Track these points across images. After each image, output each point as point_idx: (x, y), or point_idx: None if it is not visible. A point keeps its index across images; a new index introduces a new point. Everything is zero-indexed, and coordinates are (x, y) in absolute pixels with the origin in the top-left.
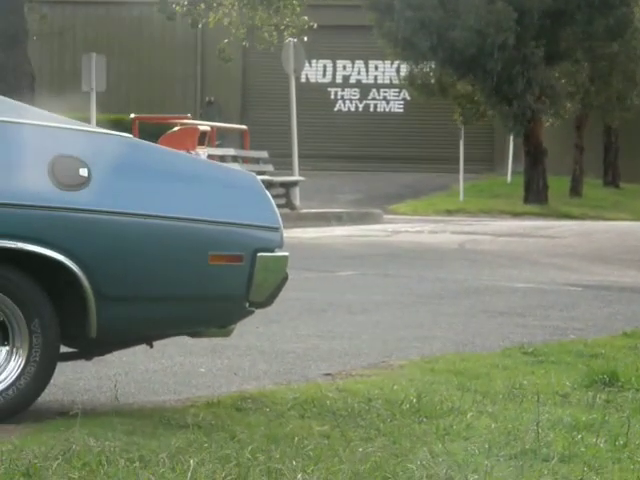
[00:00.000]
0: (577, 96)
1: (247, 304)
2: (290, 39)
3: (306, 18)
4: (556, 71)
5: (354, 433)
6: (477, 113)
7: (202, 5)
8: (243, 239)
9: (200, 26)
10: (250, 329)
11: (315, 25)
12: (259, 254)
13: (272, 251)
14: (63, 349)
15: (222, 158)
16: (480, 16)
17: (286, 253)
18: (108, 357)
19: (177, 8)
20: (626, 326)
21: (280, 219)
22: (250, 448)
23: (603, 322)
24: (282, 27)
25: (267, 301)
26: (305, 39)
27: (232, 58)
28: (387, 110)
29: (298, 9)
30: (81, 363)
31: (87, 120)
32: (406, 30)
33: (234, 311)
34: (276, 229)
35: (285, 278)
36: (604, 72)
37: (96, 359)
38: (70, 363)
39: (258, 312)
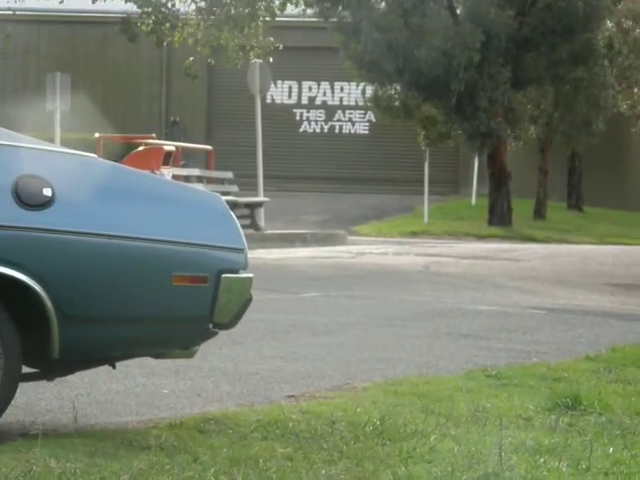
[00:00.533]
0: (540, 120)
1: (211, 325)
2: (256, 60)
3: (272, 39)
4: (521, 95)
5: (317, 455)
6: (441, 134)
7: (167, 25)
8: (207, 260)
9: (165, 45)
10: (213, 350)
11: (281, 46)
12: (223, 275)
13: (236, 272)
14: (25, 369)
15: (187, 178)
16: (447, 37)
17: (250, 275)
18: (70, 378)
19: (142, 27)
20: (589, 350)
21: (245, 240)
22: (213, 470)
23: (566, 345)
24: (248, 48)
25: (231, 322)
26: (271, 60)
27: (199, 75)
28: (352, 132)
29: (261, 30)
30: (43, 384)
31: (51, 139)
32: (373, 52)
33: (198, 332)
34: (241, 250)
35: (249, 299)
36: (568, 97)
37: (58, 380)
38: (32, 383)
39: (222, 333)
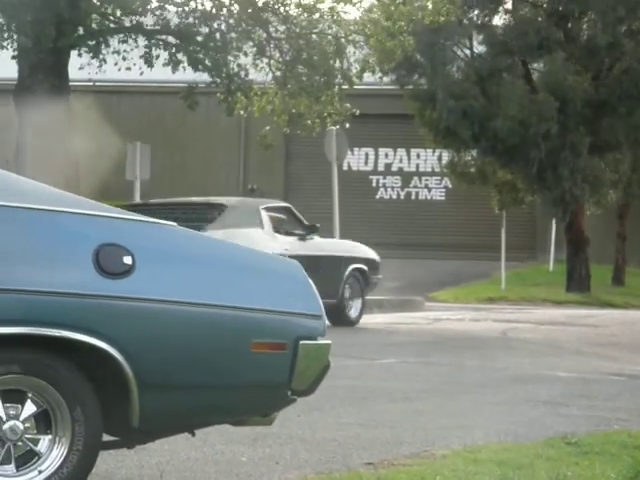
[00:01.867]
0: (620, 185)
1: (289, 392)
2: (332, 127)
3: (349, 105)
4: (600, 160)
5: None
6: (515, 199)
7: (239, 94)
8: (286, 327)
9: (244, 114)
10: (292, 417)
11: (357, 112)
12: (302, 342)
13: (315, 339)
14: (105, 437)
15: None
16: (522, 106)
17: (328, 341)
18: (150, 445)
19: (219, 95)
20: None
21: (322, 307)
22: None
23: None
24: (325, 115)
25: (309, 389)
26: (347, 125)
27: (273, 144)
28: (429, 198)
29: (337, 98)
30: (123, 451)
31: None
32: (448, 119)
33: (276, 399)
34: (319, 317)
35: (327, 366)
36: None
37: (138, 447)
38: (112, 451)
39: (300, 400)
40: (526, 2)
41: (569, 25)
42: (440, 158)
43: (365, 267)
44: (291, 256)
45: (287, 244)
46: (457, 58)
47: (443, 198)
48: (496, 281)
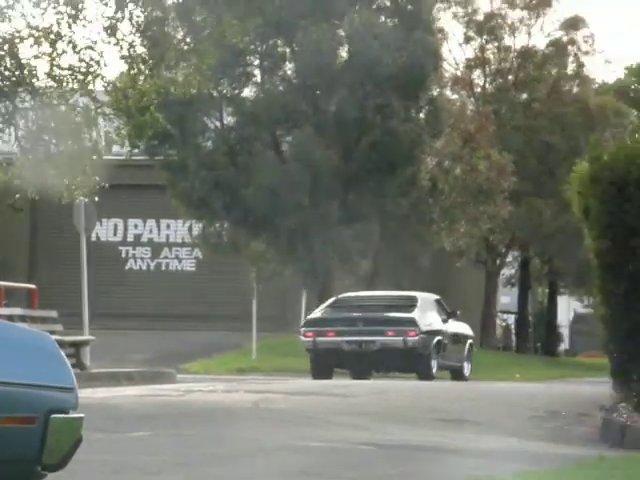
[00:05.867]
0: (369, 254)
1: (39, 467)
2: (81, 198)
3: (97, 178)
4: (349, 231)
5: None
6: (273, 273)
7: None
8: (36, 400)
9: None
10: None
11: (107, 185)
12: (53, 415)
13: (66, 412)
14: None
15: (9, 318)
16: (273, 176)
17: (81, 414)
18: None
19: None
20: None
21: (75, 379)
22: None
23: None
24: (73, 187)
25: (60, 464)
26: (96, 199)
27: (23, 209)
28: (179, 269)
29: (88, 170)
30: None
31: None
32: (200, 190)
33: (26, 475)
34: (71, 390)
35: (79, 440)
36: (394, 233)
37: None
38: None
39: (50, 475)
40: (275, 75)
41: (318, 99)
42: (191, 229)
43: (472, 340)
44: (444, 333)
45: (443, 325)
46: (208, 129)
47: (194, 269)
48: (247, 352)
